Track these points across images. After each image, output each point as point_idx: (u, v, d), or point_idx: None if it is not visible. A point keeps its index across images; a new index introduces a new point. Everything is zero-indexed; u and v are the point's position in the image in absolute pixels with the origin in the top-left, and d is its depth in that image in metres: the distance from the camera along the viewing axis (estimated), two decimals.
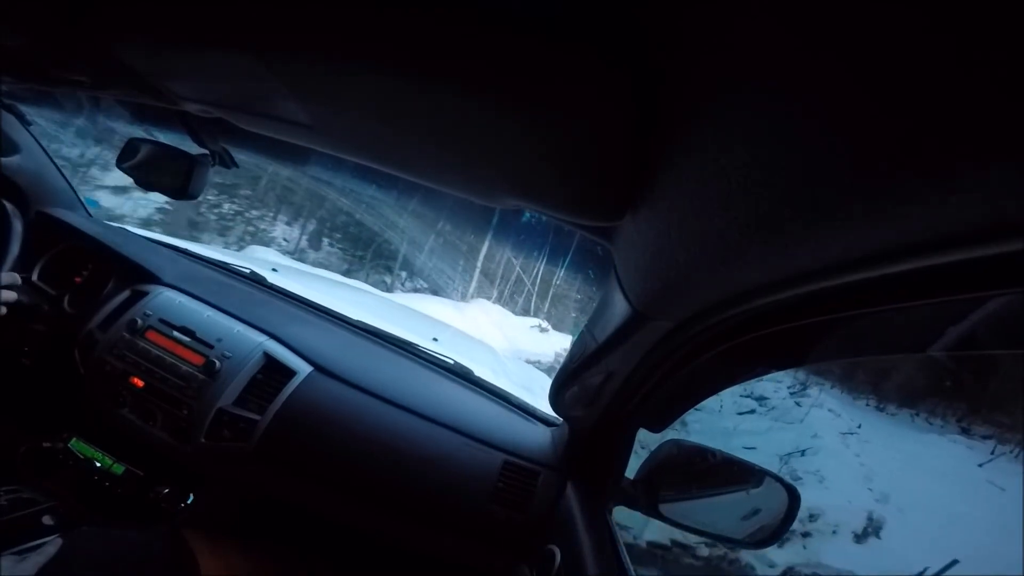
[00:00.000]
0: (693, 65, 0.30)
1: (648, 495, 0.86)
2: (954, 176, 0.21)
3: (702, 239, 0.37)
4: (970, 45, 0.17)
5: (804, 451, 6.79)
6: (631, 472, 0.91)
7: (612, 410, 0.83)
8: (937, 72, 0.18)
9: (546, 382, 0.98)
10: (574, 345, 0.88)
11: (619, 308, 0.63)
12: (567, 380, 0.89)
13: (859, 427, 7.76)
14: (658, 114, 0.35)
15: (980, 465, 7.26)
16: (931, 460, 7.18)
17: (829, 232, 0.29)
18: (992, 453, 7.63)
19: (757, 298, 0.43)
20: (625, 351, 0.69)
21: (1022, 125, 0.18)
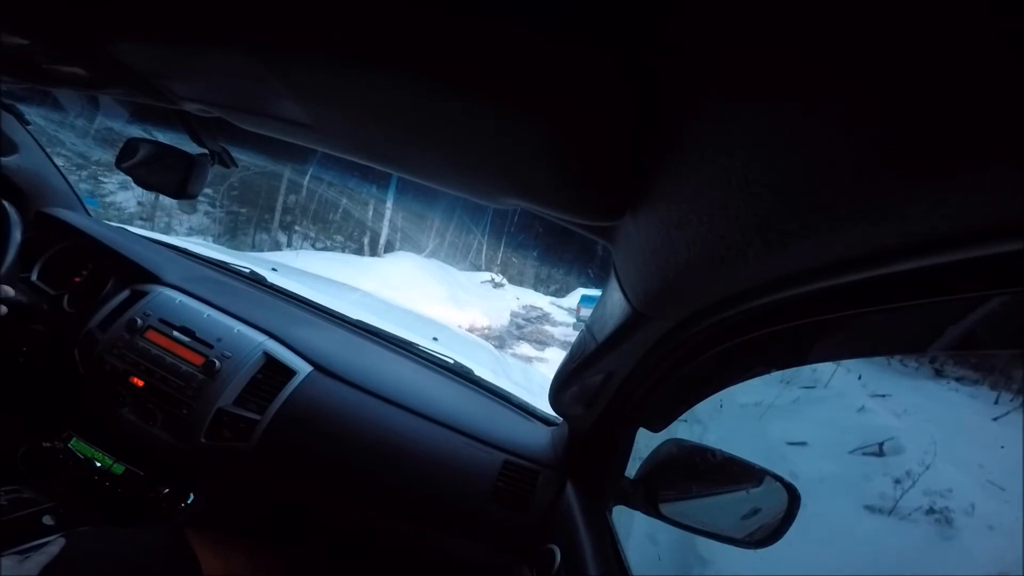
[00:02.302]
0: (693, 66, 0.29)
1: (648, 495, 0.86)
2: (954, 176, 0.21)
3: (702, 239, 0.37)
4: (970, 45, 0.17)
5: (883, 445, 4.68)
6: (631, 472, 0.91)
7: (612, 410, 0.83)
8: (937, 72, 0.18)
9: (546, 382, 0.98)
10: (574, 344, 0.88)
11: (619, 307, 0.63)
12: (567, 379, 0.89)
13: (860, 379, 6.51)
14: (658, 114, 0.35)
15: (995, 419, 5.95)
16: (961, 420, 5.60)
17: (829, 232, 0.29)
18: (996, 403, 6.38)
19: (757, 298, 0.43)
20: (625, 351, 0.69)
21: (1022, 125, 0.18)
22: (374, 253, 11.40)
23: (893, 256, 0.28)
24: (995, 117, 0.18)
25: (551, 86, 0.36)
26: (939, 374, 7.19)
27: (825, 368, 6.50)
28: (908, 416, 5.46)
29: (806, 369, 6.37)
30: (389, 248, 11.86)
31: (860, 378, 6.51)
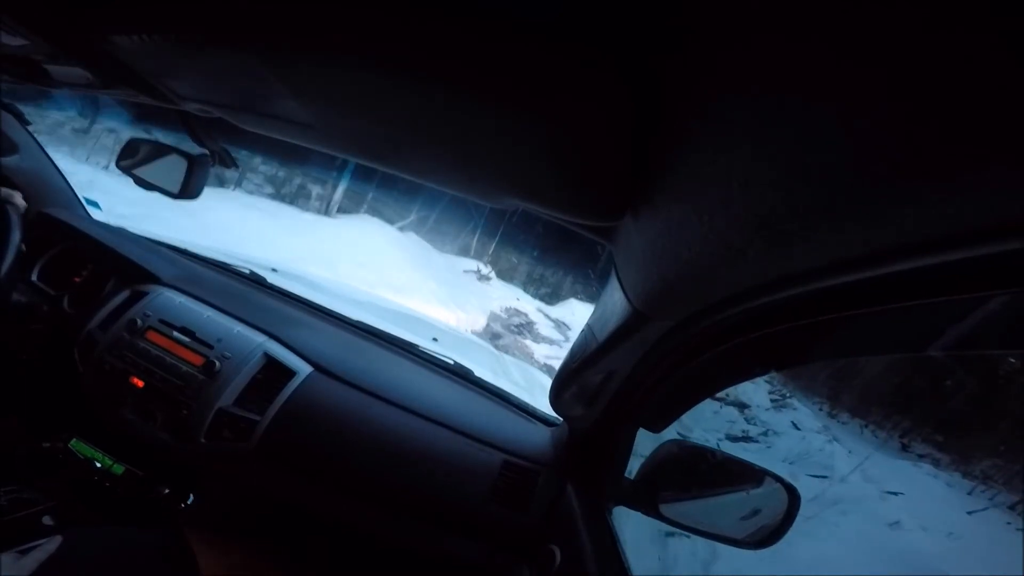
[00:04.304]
0: (693, 66, 0.30)
1: (648, 495, 0.86)
2: (954, 176, 0.21)
3: (702, 239, 0.37)
4: (970, 45, 0.17)
5: None
6: (631, 472, 0.91)
7: (612, 410, 0.83)
8: (937, 72, 0.18)
9: (546, 382, 0.98)
10: (575, 344, 0.88)
11: (619, 307, 0.63)
12: (567, 379, 0.89)
13: (849, 452, 6.23)
14: (658, 114, 0.35)
15: (969, 513, 5.71)
16: (942, 513, 5.12)
17: (829, 232, 0.29)
18: (970, 494, 6.32)
19: (757, 298, 0.43)
20: (625, 350, 0.69)
21: (1022, 125, 0.18)
22: (327, 212, 9.24)
23: (893, 256, 0.28)
24: (995, 117, 0.18)
25: (551, 86, 0.36)
26: (905, 448, 7.15)
27: (839, 455, 6.05)
28: (944, 538, 4.68)
29: (814, 450, 6.11)
30: (354, 209, 9.62)
31: (850, 452, 6.18)
